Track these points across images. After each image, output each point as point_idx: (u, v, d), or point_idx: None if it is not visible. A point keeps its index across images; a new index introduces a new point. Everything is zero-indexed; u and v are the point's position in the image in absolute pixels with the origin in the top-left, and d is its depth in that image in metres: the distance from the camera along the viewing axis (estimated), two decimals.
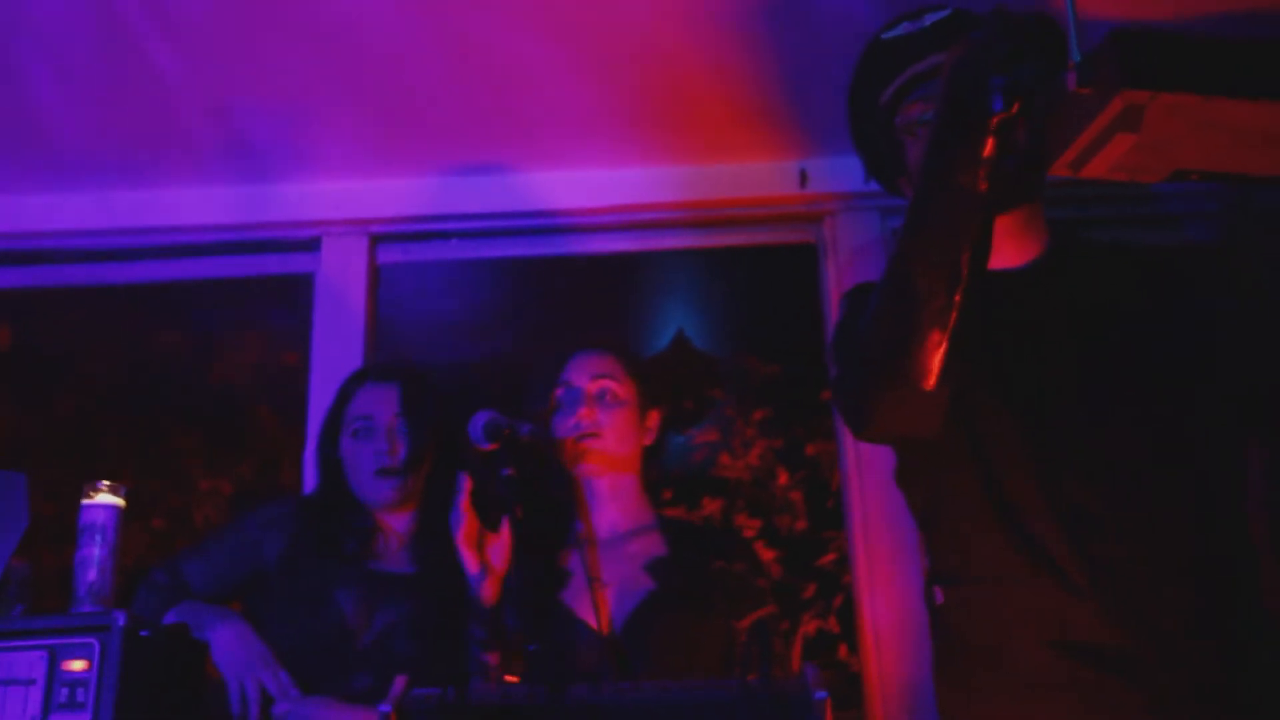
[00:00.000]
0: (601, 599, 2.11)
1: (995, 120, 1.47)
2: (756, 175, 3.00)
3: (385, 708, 1.30)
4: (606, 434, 2.25)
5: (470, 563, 2.06)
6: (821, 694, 1.24)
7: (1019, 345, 1.78)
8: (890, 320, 1.61)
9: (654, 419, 2.35)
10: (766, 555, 4.86)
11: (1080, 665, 1.63)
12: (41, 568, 2.11)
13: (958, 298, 1.55)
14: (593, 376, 2.28)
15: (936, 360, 1.57)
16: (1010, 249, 1.83)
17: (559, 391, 2.29)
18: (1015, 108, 1.46)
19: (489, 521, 2.07)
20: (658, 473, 2.39)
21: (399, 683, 1.35)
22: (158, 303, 3.98)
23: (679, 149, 2.96)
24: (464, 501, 2.06)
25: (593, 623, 2.11)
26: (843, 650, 4.60)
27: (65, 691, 1.72)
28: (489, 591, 2.04)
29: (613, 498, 2.28)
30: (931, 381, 1.58)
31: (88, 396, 4.65)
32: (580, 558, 2.17)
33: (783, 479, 4.99)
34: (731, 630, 2.15)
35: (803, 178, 2.98)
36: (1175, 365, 1.74)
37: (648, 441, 2.34)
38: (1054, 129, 1.40)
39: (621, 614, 2.13)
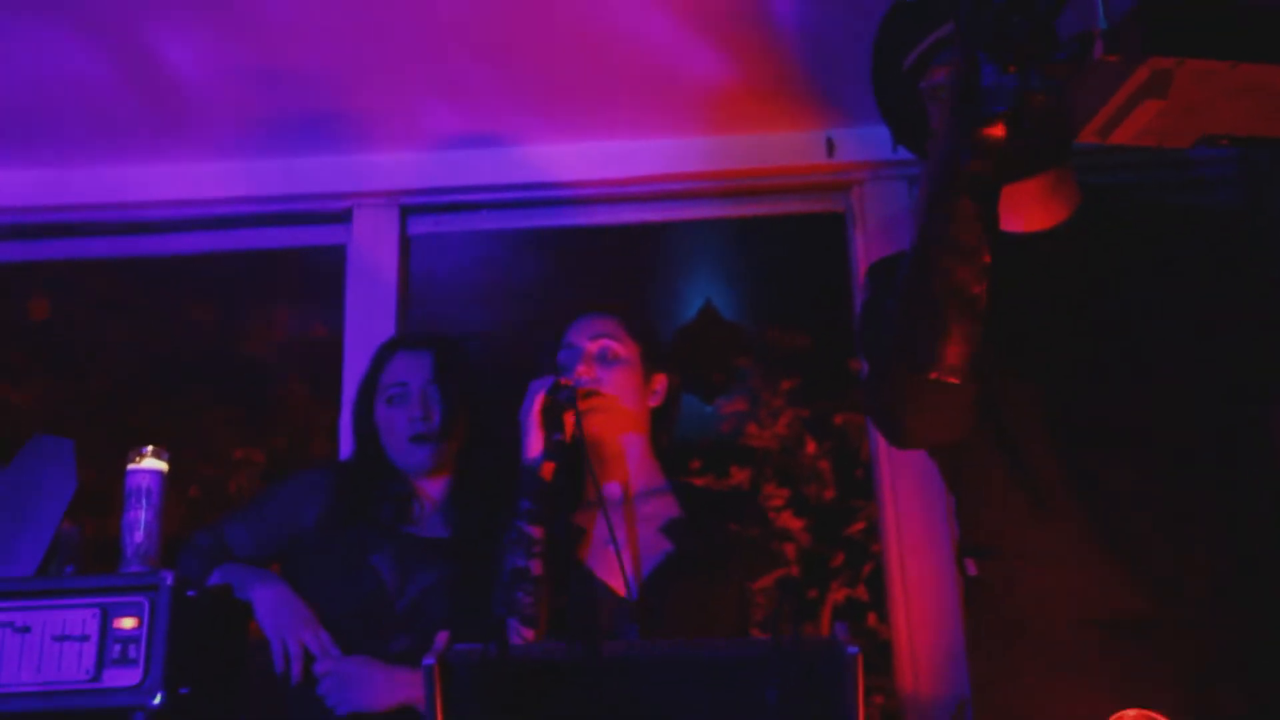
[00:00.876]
0: (622, 559, 2.12)
1: (1004, 113, 1.44)
2: (784, 145, 3.01)
3: (429, 661, 1.33)
4: (606, 390, 2.26)
5: (535, 442, 2.15)
6: (854, 649, 1.27)
7: (1040, 312, 1.77)
8: (919, 314, 1.60)
9: (660, 382, 2.36)
10: (795, 524, 4.88)
11: (1110, 638, 1.64)
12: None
13: (984, 287, 1.54)
14: (593, 336, 2.30)
15: (968, 352, 1.56)
16: (1038, 212, 1.83)
17: (561, 353, 2.31)
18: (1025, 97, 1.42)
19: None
20: (668, 438, 2.40)
21: (441, 637, 1.38)
22: (191, 276, 4.03)
23: (706, 119, 2.97)
24: (542, 396, 2.15)
25: (612, 583, 2.14)
26: (872, 618, 4.63)
27: (118, 648, 1.77)
28: (547, 470, 2.11)
29: (622, 457, 2.30)
30: (962, 375, 1.57)
31: (123, 368, 4.71)
32: (603, 517, 2.18)
33: (811, 448, 5.00)
34: (746, 593, 2.18)
35: (830, 147, 2.99)
36: (1198, 331, 1.73)
37: (654, 404, 2.34)
38: (1081, 95, 1.41)
39: (640, 575, 2.16)
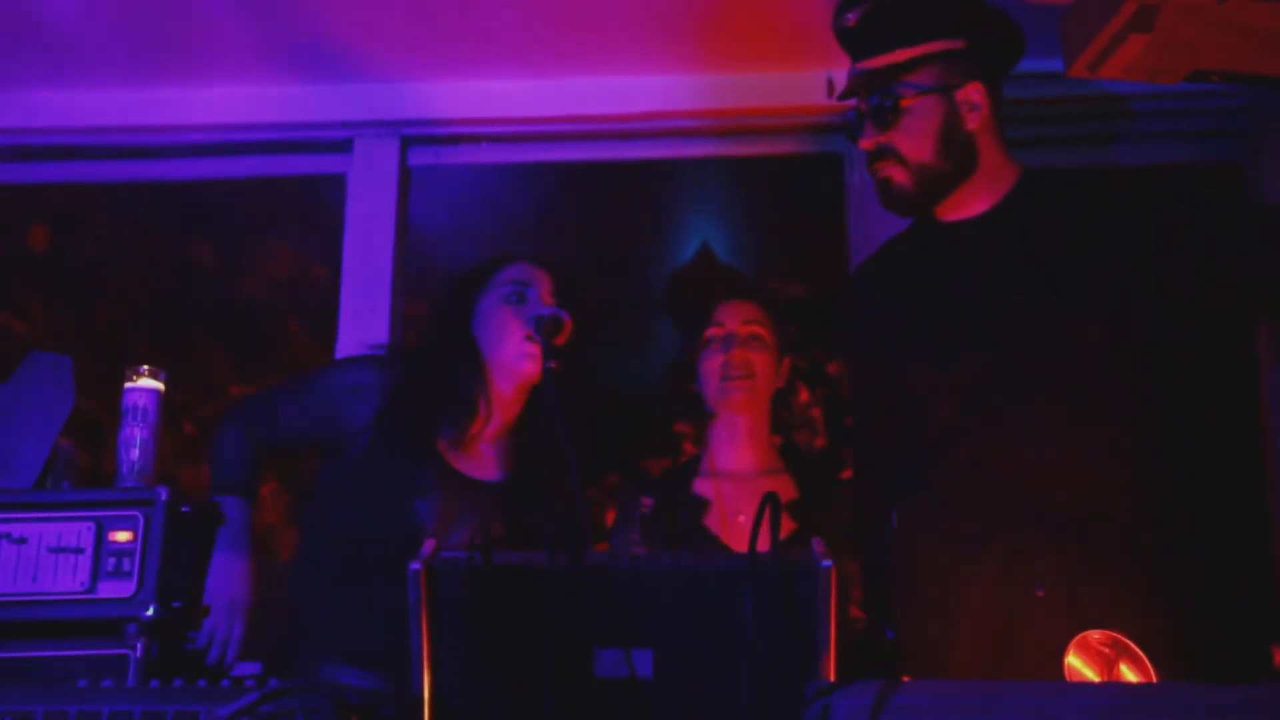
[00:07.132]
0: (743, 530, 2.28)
1: None
2: (784, 84, 3.01)
3: (415, 565, 1.36)
4: (759, 376, 2.46)
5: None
6: (828, 563, 1.31)
7: (956, 288, 1.99)
8: None
9: (785, 365, 2.57)
10: None
11: (1008, 549, 1.88)
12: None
13: None
14: (744, 321, 2.50)
15: None
16: (962, 203, 2.03)
17: (710, 331, 2.50)
18: None
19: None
20: (776, 417, 2.61)
21: (428, 544, 1.41)
22: (192, 209, 4.02)
23: (708, 57, 2.97)
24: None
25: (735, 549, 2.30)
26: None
27: (112, 561, 1.80)
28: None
29: (750, 436, 2.49)
30: None
31: (123, 301, 4.71)
32: (730, 490, 2.41)
33: (804, 396, 5.02)
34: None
35: (830, 87, 2.98)
36: (1098, 302, 1.91)
37: (780, 385, 2.56)
38: (1071, 31, 1.43)
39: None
